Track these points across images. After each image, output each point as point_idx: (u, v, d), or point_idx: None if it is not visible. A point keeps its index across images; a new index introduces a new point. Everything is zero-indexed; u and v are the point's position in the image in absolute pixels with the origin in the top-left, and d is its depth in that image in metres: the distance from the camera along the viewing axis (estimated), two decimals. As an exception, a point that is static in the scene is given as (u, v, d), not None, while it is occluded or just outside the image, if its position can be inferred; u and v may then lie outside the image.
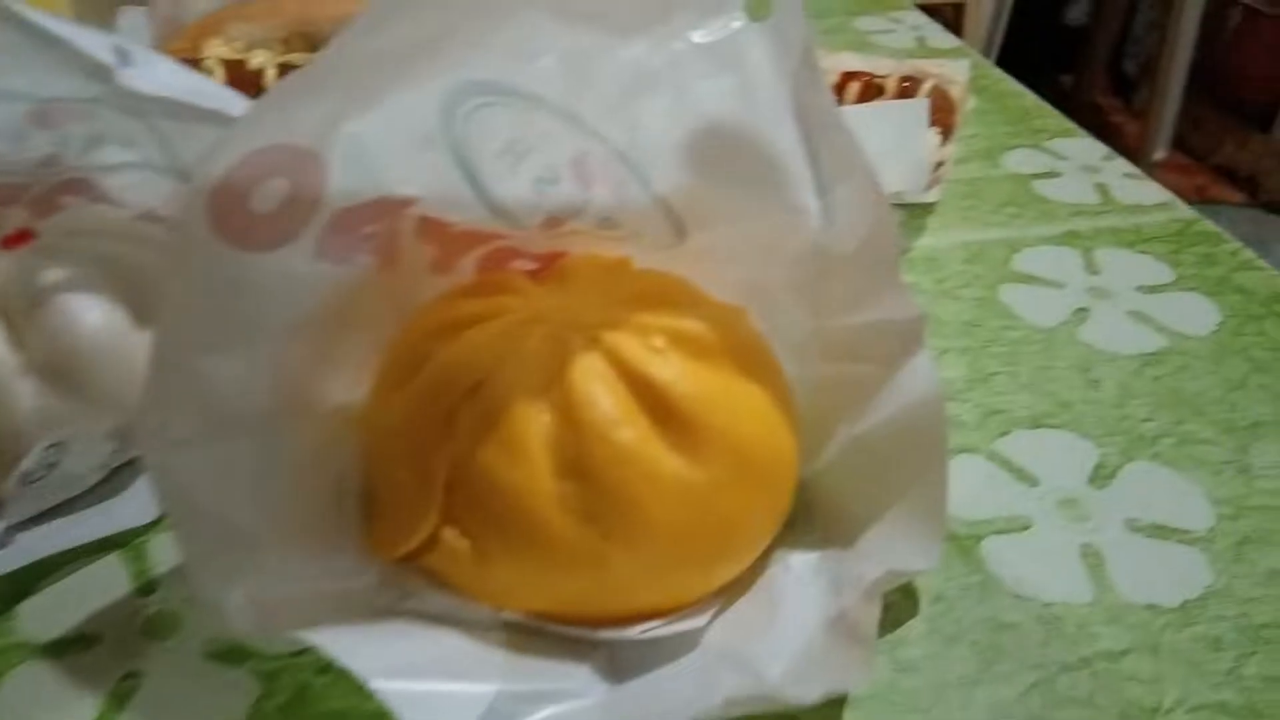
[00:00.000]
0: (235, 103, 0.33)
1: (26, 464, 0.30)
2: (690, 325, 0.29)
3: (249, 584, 0.26)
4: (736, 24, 0.28)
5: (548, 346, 0.28)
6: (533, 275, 0.32)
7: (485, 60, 0.26)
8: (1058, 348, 0.41)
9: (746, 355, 0.30)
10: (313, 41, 0.51)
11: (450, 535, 0.27)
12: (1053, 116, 0.59)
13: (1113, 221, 0.49)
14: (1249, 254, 0.46)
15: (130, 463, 0.33)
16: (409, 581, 0.29)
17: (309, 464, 0.29)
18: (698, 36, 0.28)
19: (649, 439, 0.27)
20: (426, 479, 0.27)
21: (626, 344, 0.28)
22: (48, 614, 0.29)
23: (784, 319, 0.32)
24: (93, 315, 0.32)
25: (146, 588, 0.30)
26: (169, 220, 0.36)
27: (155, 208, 0.38)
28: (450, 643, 0.27)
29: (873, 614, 0.26)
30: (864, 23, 0.72)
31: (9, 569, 0.28)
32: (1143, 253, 0.47)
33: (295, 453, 0.28)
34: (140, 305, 0.33)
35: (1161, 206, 0.50)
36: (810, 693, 0.25)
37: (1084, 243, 0.47)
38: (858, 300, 0.30)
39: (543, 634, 0.28)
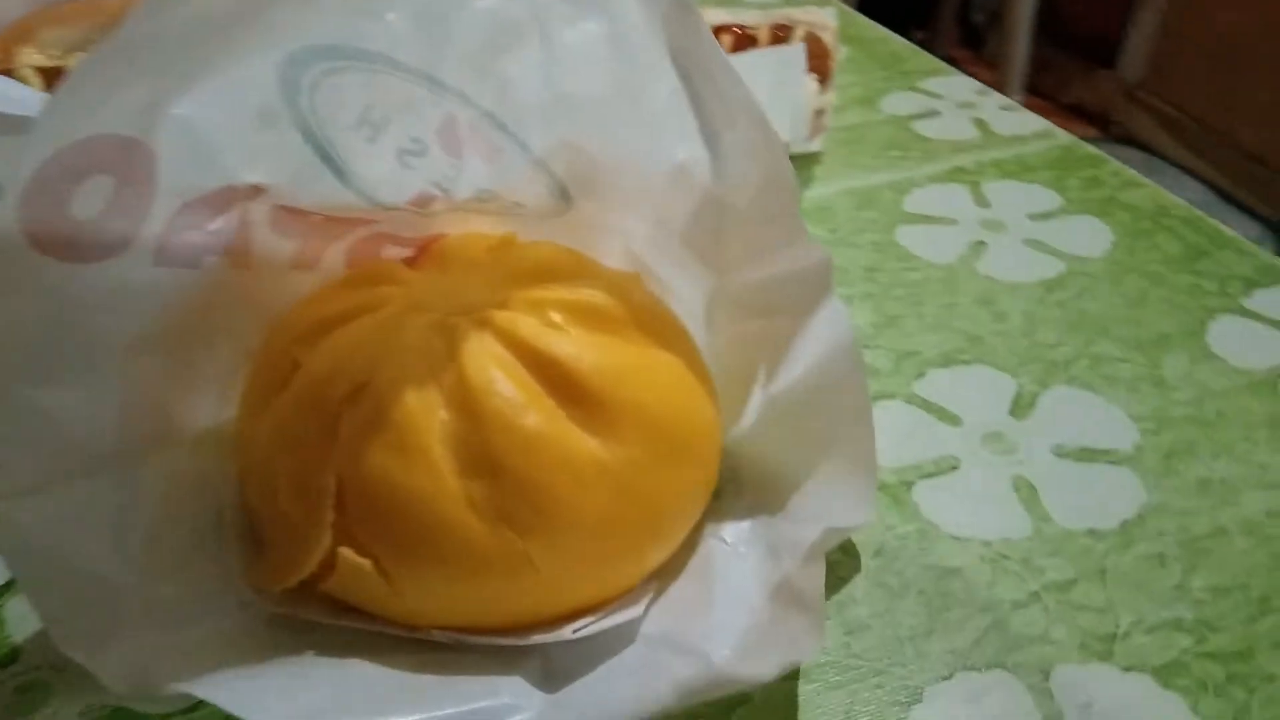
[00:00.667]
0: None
1: None
2: (587, 296, 0.27)
3: (122, 639, 0.23)
4: (597, -39, 0.26)
5: (433, 335, 0.25)
6: (409, 263, 0.30)
7: (323, 21, 0.24)
8: (959, 283, 0.40)
9: (650, 323, 0.28)
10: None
11: (348, 555, 0.24)
12: (924, 58, 0.58)
13: (995, 154, 0.49)
14: (1130, 173, 0.47)
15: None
16: (306, 612, 0.26)
17: (178, 497, 0.26)
18: (558, -23, 0.25)
19: (558, 421, 0.24)
20: (313, 497, 0.24)
21: (521, 322, 0.26)
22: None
23: (683, 280, 0.30)
24: None
25: (7, 658, 0.26)
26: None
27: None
28: (361, 676, 0.24)
29: (817, 577, 0.25)
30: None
31: None
32: (1029, 182, 0.46)
33: (159, 486, 0.25)
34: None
35: (1040, 135, 0.50)
36: (764, 669, 0.23)
37: (970, 177, 0.47)
38: (760, 252, 0.28)
39: (466, 649, 0.25)
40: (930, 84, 0.55)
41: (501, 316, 0.26)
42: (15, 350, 0.22)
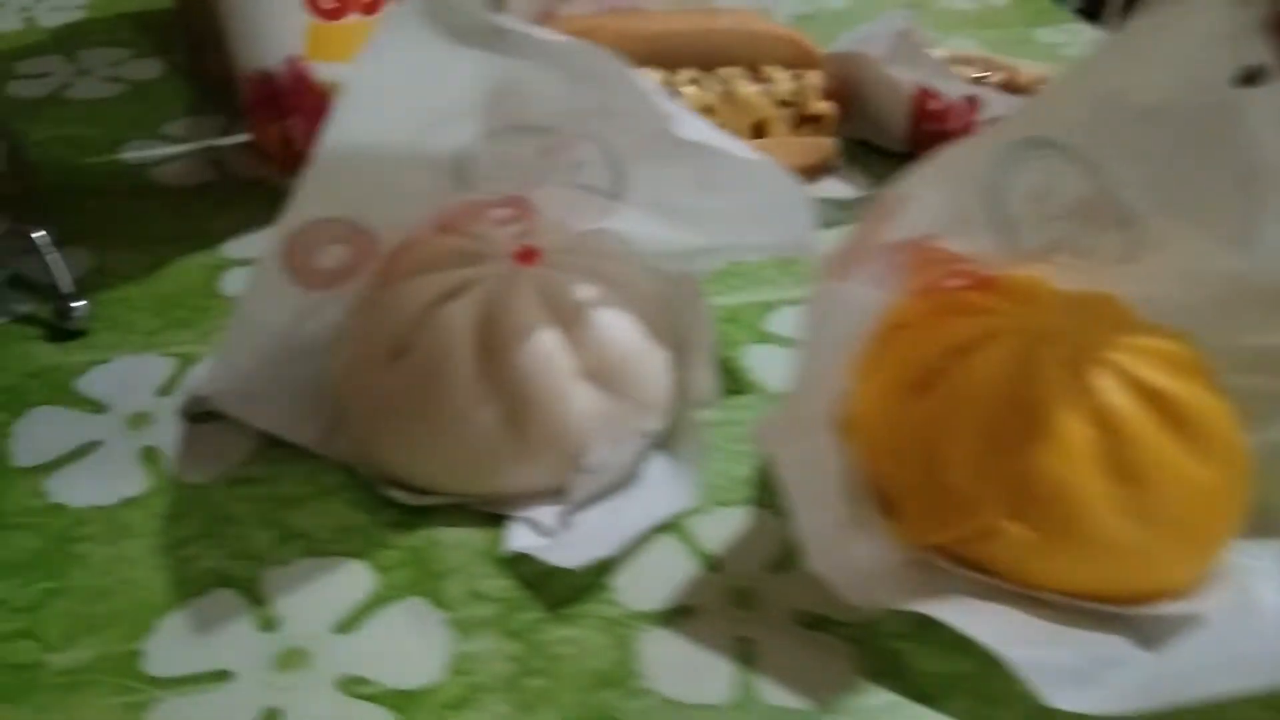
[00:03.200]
0: (741, 147, 0.37)
1: (592, 459, 0.34)
2: (1164, 344, 0.34)
3: (842, 560, 0.31)
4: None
5: (1067, 365, 0.33)
6: (978, 289, 0.37)
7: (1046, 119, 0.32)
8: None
9: (1203, 370, 0.35)
10: (642, 57, 0.55)
11: (1016, 529, 0.32)
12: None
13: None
14: None
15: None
16: (938, 560, 0.33)
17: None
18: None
19: (1173, 446, 0.32)
20: (992, 482, 0.32)
21: (1132, 360, 0.33)
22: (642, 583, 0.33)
23: (1200, 333, 0.37)
24: (629, 331, 0.36)
25: (716, 564, 0.34)
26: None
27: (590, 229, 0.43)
28: (1005, 614, 0.32)
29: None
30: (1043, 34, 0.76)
31: (589, 552, 0.33)
32: None
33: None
34: (647, 325, 0.37)
35: None
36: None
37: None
38: (1272, 324, 0.35)
39: (1074, 610, 0.32)
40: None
41: (1118, 354, 0.33)
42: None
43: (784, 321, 0.45)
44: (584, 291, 0.36)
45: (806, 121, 0.56)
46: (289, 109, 0.48)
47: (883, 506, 0.35)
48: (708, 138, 0.36)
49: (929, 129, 0.55)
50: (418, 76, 0.33)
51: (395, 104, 0.32)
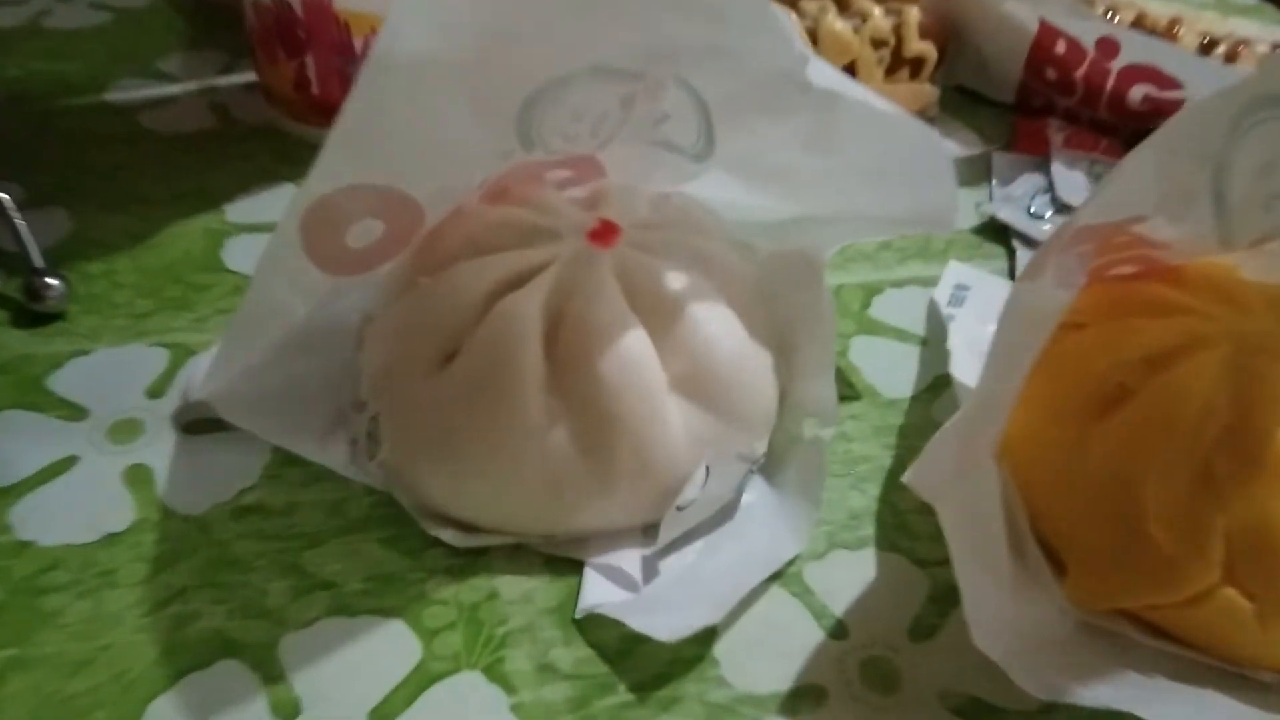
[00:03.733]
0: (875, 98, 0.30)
1: (691, 491, 0.28)
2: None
3: (1011, 633, 0.25)
4: None
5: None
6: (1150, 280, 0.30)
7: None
8: None
9: None
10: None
11: (1232, 596, 0.25)
12: None
13: None
14: None
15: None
16: (1120, 626, 0.27)
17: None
18: None
19: None
20: (1198, 534, 0.25)
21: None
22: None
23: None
24: (729, 335, 0.29)
25: (838, 631, 0.27)
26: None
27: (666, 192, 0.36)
28: (1212, 702, 0.25)
29: None
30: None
31: (686, 620, 0.26)
32: None
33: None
34: (749, 321, 0.30)
35: None
36: None
37: None
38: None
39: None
40: None
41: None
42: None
43: (892, 307, 0.38)
44: (676, 279, 0.29)
45: (903, 64, 0.48)
46: (305, 43, 0.40)
47: (1051, 556, 0.28)
48: (843, 85, 0.29)
49: (1048, 77, 0.47)
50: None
51: (452, 33, 0.25)
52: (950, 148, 0.46)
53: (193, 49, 0.50)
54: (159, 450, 0.30)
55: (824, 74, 0.29)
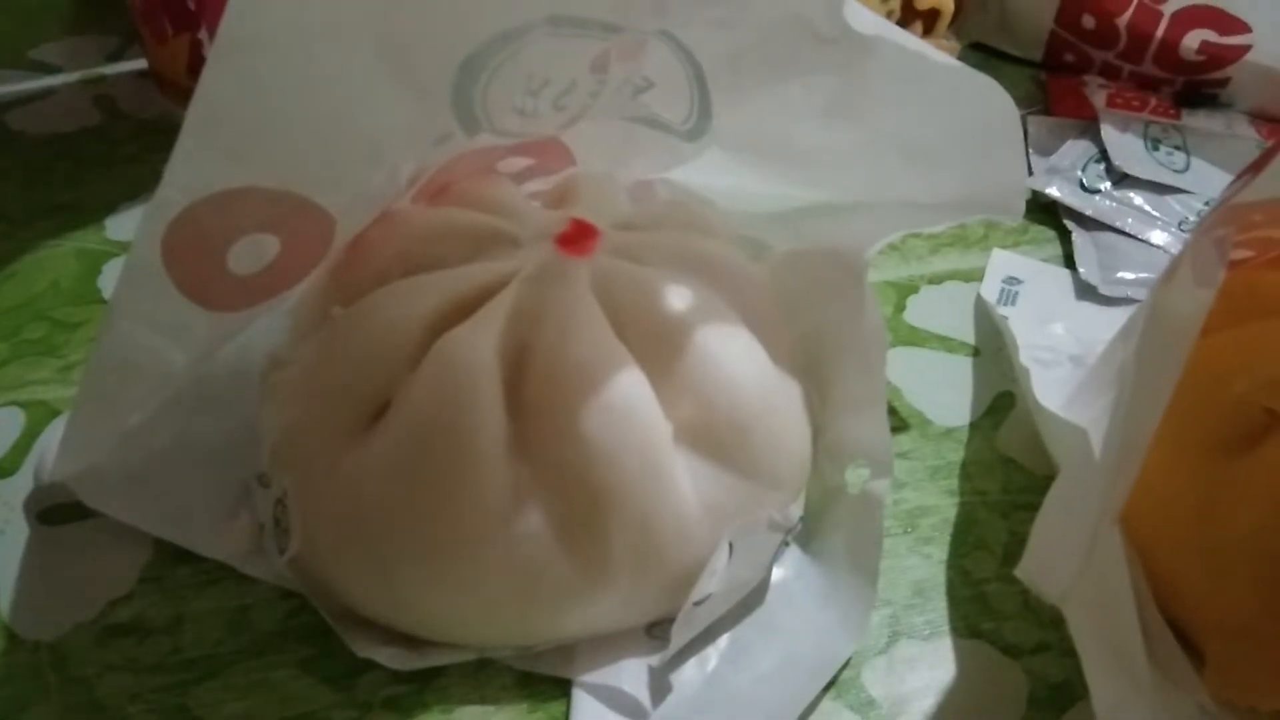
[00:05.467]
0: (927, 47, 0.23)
1: (709, 582, 0.21)
2: None
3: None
4: None
5: None
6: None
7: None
8: None
9: None
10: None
11: None
12: None
13: None
14: None
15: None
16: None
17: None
18: None
19: None
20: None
21: None
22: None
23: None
24: (748, 365, 0.22)
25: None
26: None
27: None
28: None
29: None
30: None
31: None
32: None
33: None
34: (770, 345, 0.23)
35: None
36: None
37: None
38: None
39: None
40: None
41: None
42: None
43: (932, 309, 0.31)
44: (675, 294, 0.22)
45: (915, 17, 0.41)
46: (196, 14, 0.33)
47: (1184, 641, 0.22)
48: (879, 29, 0.22)
49: (1085, 26, 0.40)
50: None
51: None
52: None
53: (75, 32, 0.42)
54: (4, 551, 0.23)
55: (857, 14, 0.22)
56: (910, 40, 0.23)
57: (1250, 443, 0.21)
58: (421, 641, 0.21)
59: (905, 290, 0.32)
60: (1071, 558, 0.18)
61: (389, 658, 0.21)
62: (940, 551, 0.24)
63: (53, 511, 0.24)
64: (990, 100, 0.24)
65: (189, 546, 0.23)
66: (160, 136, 0.35)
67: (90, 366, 0.21)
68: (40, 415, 0.26)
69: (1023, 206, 0.26)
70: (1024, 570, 0.18)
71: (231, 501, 0.23)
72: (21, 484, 0.24)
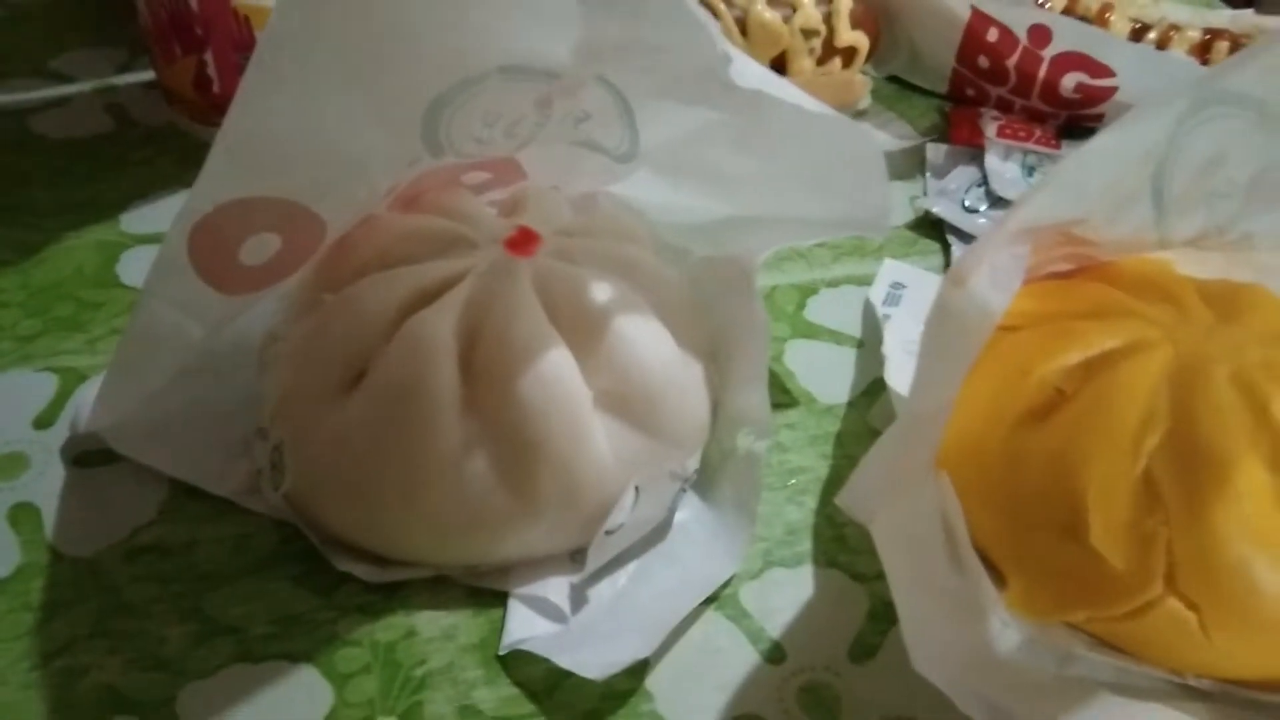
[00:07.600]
0: (803, 96, 0.28)
1: (620, 515, 0.26)
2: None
3: (953, 655, 0.24)
4: None
5: (1236, 390, 0.25)
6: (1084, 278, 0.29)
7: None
8: None
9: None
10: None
11: (1176, 607, 0.24)
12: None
13: None
14: None
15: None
16: (1065, 643, 0.26)
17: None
18: None
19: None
20: (1141, 545, 0.24)
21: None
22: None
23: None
24: (657, 347, 0.28)
25: (777, 656, 0.26)
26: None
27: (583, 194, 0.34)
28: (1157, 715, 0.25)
29: None
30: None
31: (615, 654, 0.25)
32: None
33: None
34: (679, 331, 0.29)
35: None
36: None
37: None
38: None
39: (1244, 701, 0.25)
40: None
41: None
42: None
43: (827, 308, 0.37)
44: (600, 290, 0.28)
45: (835, 54, 0.47)
46: (203, 39, 0.38)
47: (991, 567, 0.28)
48: (769, 84, 0.27)
49: (980, 66, 0.46)
50: None
51: (343, 31, 0.23)
52: (884, 141, 0.45)
53: (89, 45, 0.47)
54: (46, 487, 0.28)
55: (749, 73, 0.27)
56: (790, 92, 0.28)
57: (1046, 414, 0.27)
58: (389, 560, 0.26)
59: (807, 291, 0.37)
60: (879, 493, 0.23)
61: (363, 572, 0.26)
62: (812, 501, 0.30)
63: (85, 456, 0.29)
64: (858, 142, 0.29)
65: (200, 485, 0.28)
66: (167, 142, 0.41)
67: (124, 337, 0.26)
68: (71, 379, 0.31)
69: (886, 226, 0.31)
70: (842, 498, 0.24)
71: (235, 450, 0.29)
72: (58, 434, 0.29)
